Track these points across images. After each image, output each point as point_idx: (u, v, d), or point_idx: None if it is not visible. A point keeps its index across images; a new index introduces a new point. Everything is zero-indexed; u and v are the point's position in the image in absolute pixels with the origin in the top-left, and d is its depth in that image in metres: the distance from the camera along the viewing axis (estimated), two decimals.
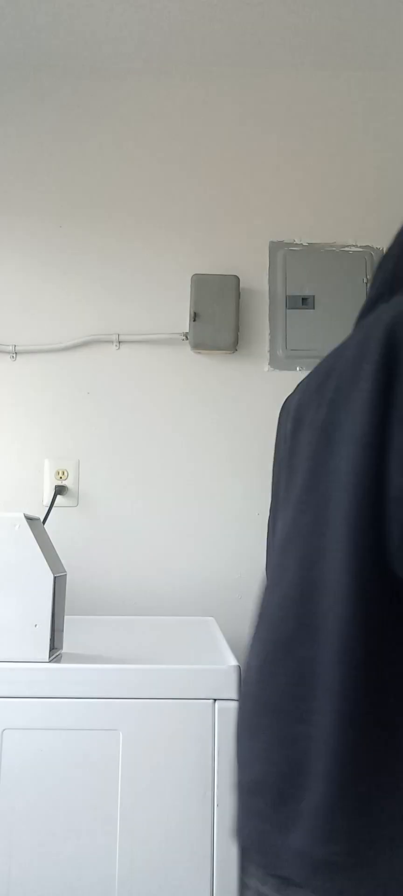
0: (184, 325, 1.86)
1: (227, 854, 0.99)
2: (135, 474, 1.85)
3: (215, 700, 1.02)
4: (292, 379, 1.89)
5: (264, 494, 1.86)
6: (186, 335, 1.85)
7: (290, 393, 1.06)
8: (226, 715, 1.01)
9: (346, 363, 0.79)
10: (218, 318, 1.83)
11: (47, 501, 1.81)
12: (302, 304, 1.89)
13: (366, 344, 0.76)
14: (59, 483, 1.83)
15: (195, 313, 1.83)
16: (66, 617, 1.16)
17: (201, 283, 1.84)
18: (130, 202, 1.93)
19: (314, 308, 1.89)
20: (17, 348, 1.88)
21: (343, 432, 0.76)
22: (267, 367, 1.89)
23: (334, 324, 1.89)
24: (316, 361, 2.00)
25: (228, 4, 1.75)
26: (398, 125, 1.97)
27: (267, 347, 1.90)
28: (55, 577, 1.07)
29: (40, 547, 1.07)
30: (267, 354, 1.90)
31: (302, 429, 0.88)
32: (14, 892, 0.99)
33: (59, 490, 1.83)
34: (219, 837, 0.99)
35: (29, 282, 1.90)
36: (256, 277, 1.90)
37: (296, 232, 1.93)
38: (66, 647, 1.15)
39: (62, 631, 1.14)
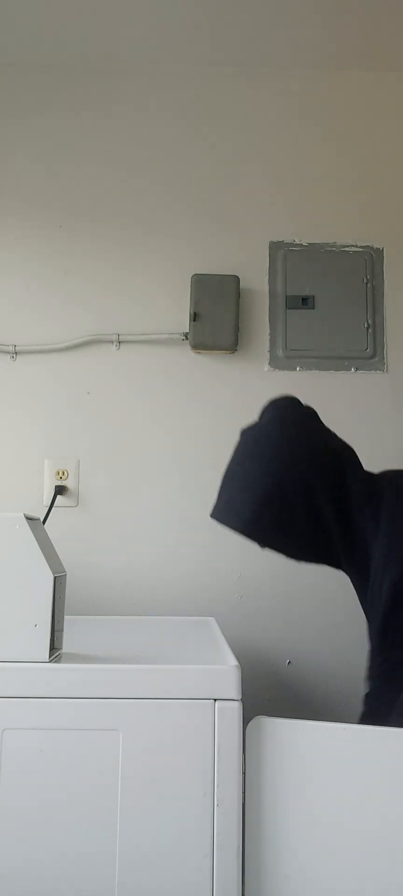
0: (184, 325, 1.86)
1: (228, 854, 0.99)
2: (134, 474, 1.85)
3: (215, 700, 1.02)
4: (292, 379, 1.90)
5: None
6: (186, 335, 1.85)
7: None
8: (226, 715, 1.01)
9: None
10: (218, 318, 1.83)
11: (47, 501, 1.81)
12: (302, 304, 1.89)
13: None
14: (59, 483, 1.83)
15: (195, 313, 1.83)
16: (65, 617, 1.16)
17: (201, 283, 1.84)
18: (130, 202, 1.93)
19: (314, 308, 1.89)
20: (17, 348, 1.88)
21: None
22: (267, 367, 1.89)
23: (334, 324, 1.89)
24: (316, 361, 2.02)
25: (228, 4, 1.75)
26: (398, 125, 1.97)
27: (267, 347, 1.90)
28: (55, 577, 1.07)
29: (40, 547, 1.07)
30: (267, 354, 1.90)
31: None
32: (14, 891, 0.99)
33: (59, 490, 1.83)
34: (219, 837, 0.99)
35: (29, 282, 1.90)
36: (256, 277, 1.91)
37: (296, 232, 1.93)
38: (66, 647, 1.15)
39: (62, 631, 1.14)
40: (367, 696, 1.19)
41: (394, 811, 0.99)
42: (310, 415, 1.32)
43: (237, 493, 1.25)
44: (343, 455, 1.26)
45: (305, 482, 1.20)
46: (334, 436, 1.30)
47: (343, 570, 1.26)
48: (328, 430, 1.30)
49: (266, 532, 1.24)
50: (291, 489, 1.20)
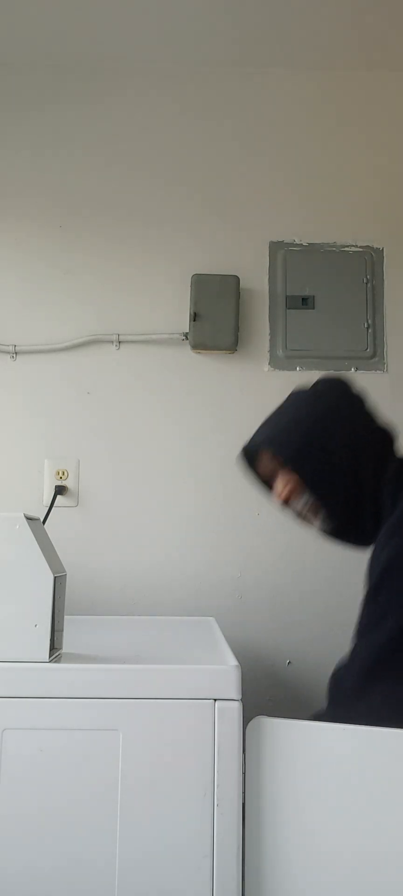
0: (184, 325, 1.86)
1: (228, 854, 0.99)
2: (134, 474, 1.85)
3: (215, 700, 1.02)
4: (292, 379, 1.90)
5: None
6: (186, 335, 1.85)
7: None
8: (226, 715, 1.01)
9: None
10: (218, 318, 1.83)
11: (47, 501, 1.81)
12: (302, 304, 1.89)
13: None
14: (59, 483, 1.83)
15: (195, 313, 1.83)
16: (65, 617, 1.16)
17: (201, 283, 1.84)
18: (130, 202, 1.93)
19: (314, 308, 1.89)
20: (17, 348, 1.88)
21: None
22: (267, 367, 1.89)
23: (334, 324, 1.89)
24: (316, 361, 2.02)
25: (228, 4, 1.75)
26: (398, 125, 1.97)
27: (267, 347, 1.90)
28: (55, 577, 1.07)
29: (40, 547, 1.07)
30: (267, 354, 1.90)
31: None
32: (14, 891, 0.99)
33: (59, 490, 1.83)
34: (219, 837, 0.99)
35: (29, 282, 1.91)
36: (256, 277, 1.91)
37: (296, 232, 1.93)
38: (66, 647, 1.15)
39: (62, 631, 1.14)
40: (343, 667, 1.21)
41: (394, 811, 0.99)
42: (361, 398, 1.38)
43: (281, 431, 1.31)
44: (386, 437, 1.33)
45: (352, 447, 1.26)
46: (379, 420, 1.36)
47: (366, 543, 1.30)
48: (375, 413, 1.37)
49: (306, 468, 1.27)
50: (337, 446, 1.26)
